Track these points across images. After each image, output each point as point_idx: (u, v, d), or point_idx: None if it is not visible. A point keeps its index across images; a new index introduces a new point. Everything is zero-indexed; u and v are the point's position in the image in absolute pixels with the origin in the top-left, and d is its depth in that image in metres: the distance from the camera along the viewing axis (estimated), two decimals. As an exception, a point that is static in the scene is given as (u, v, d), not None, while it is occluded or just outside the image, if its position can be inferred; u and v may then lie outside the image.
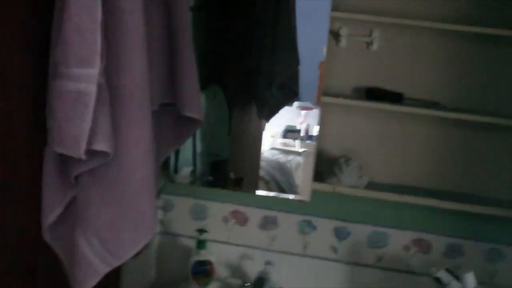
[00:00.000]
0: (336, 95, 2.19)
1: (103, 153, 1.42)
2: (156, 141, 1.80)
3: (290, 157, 2.46)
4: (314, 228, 2.28)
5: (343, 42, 2.18)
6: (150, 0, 1.64)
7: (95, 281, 1.50)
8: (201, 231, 2.26)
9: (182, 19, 1.77)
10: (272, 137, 2.49)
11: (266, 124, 2.46)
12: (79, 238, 1.49)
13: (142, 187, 1.57)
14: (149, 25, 1.61)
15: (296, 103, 2.44)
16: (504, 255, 2.18)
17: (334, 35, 2.18)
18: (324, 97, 2.17)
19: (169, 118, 1.88)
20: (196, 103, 1.84)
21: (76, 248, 1.50)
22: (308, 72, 2.28)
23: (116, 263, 1.54)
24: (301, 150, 2.38)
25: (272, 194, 2.36)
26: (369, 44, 2.18)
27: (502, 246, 2.17)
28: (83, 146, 1.35)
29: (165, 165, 2.30)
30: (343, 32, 2.17)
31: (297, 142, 2.43)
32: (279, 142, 2.48)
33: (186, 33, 1.78)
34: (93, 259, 1.51)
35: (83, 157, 1.36)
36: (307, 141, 2.34)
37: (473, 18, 2.09)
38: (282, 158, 2.48)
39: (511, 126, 2.07)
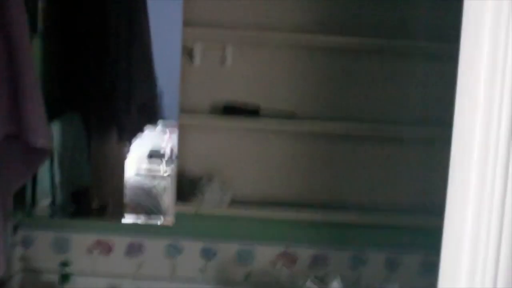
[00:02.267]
0: (194, 113, 2.17)
1: None
2: (4, 174, 1.71)
3: (156, 181, 2.41)
4: (180, 251, 2.24)
5: (197, 58, 2.17)
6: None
7: None
8: (64, 264, 2.17)
9: (21, 46, 1.69)
10: (137, 162, 2.43)
11: (130, 148, 2.40)
12: None
13: None
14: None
15: (160, 124, 2.39)
16: (365, 259, 2.23)
17: (188, 51, 2.17)
18: (182, 116, 2.15)
19: (17, 149, 1.78)
20: (43, 131, 1.76)
21: None
22: (171, 91, 2.24)
23: None
24: (166, 173, 2.33)
25: (138, 220, 2.30)
26: (223, 59, 2.18)
27: (363, 252, 2.22)
28: None
29: (22, 199, 2.19)
30: (197, 48, 2.16)
31: (162, 165, 2.38)
32: (144, 166, 2.42)
33: (26, 60, 1.70)
34: None
35: None
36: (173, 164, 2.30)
37: (324, 27, 2.14)
38: (148, 182, 2.42)
39: (367, 133, 2.15)
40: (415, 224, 2.16)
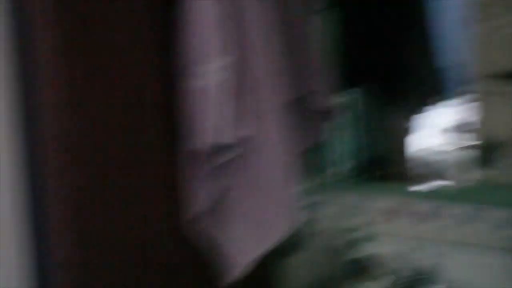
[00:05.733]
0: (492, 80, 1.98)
1: (242, 141, 1.48)
2: (291, 136, 1.81)
3: (455, 152, 2.29)
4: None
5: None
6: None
7: (241, 270, 1.52)
8: (353, 230, 2.21)
9: (297, 24, 1.80)
10: (435, 134, 2.34)
11: (424, 119, 2.32)
12: (225, 226, 1.52)
13: (284, 174, 1.59)
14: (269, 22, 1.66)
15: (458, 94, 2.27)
16: None
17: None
18: (478, 83, 1.98)
19: (303, 113, 1.88)
20: (324, 95, 1.83)
21: (222, 237, 1.53)
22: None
23: (260, 250, 1.55)
24: (465, 143, 2.18)
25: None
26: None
27: None
28: (220, 137, 1.42)
29: (311, 165, 2.27)
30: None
31: (462, 136, 2.25)
32: (442, 138, 2.31)
33: (303, 36, 1.82)
34: (239, 247, 1.53)
35: (230, 142, 1.43)
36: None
37: None
38: (444, 154, 2.31)
39: None
40: None
